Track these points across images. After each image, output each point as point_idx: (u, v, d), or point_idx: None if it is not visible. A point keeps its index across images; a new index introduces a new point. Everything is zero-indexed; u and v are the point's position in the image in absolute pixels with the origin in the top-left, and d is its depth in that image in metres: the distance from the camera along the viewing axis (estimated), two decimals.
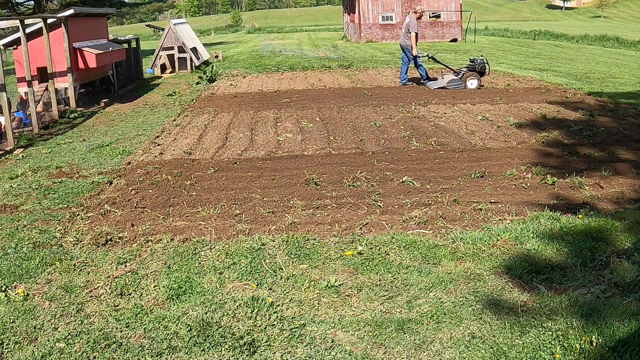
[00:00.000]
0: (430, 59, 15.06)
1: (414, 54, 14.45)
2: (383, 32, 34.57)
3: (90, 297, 4.20)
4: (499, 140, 8.59)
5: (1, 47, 13.51)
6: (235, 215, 5.71)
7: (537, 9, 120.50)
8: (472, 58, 14.56)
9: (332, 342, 3.55)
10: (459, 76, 14.05)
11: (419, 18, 14.60)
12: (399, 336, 3.59)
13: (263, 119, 10.79)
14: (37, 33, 12.46)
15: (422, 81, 14.93)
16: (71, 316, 3.93)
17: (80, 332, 3.72)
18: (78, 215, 5.89)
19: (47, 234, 5.42)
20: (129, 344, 3.57)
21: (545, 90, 13.61)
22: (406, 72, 15.10)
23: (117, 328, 3.76)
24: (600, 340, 3.37)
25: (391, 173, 7.01)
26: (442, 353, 3.41)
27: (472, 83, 13.89)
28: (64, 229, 5.54)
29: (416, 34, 14.31)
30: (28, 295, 4.23)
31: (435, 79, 14.82)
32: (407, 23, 14.55)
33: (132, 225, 5.55)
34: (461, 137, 8.79)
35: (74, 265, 4.68)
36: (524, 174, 6.85)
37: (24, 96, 12.26)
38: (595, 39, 37.71)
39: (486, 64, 14.08)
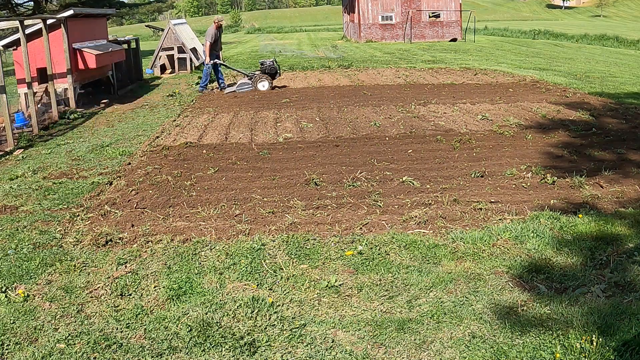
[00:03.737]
0: (221, 66, 15.39)
1: (206, 62, 14.76)
2: (383, 32, 34.56)
3: (91, 297, 4.20)
4: (498, 139, 8.59)
5: (1, 48, 13.50)
6: (235, 216, 5.71)
7: (536, 8, 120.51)
8: (261, 61, 14.94)
9: (332, 342, 3.55)
10: (251, 79, 14.54)
11: (218, 28, 14.86)
12: (399, 336, 3.59)
13: (263, 119, 10.79)
14: (37, 34, 12.46)
15: (219, 87, 15.26)
16: (71, 317, 3.93)
17: (80, 332, 3.72)
18: (78, 215, 5.89)
19: (47, 235, 5.42)
20: (129, 344, 3.58)
21: (545, 89, 13.61)
22: (206, 81, 15.22)
23: (117, 329, 3.76)
24: (600, 340, 3.37)
25: (391, 173, 7.01)
26: (442, 353, 3.41)
27: (262, 85, 14.40)
28: (64, 230, 5.54)
29: (210, 43, 14.55)
30: (28, 296, 4.23)
31: (233, 84, 15.23)
32: (207, 31, 14.83)
33: (132, 225, 5.55)
34: (460, 137, 8.78)
35: (74, 266, 4.68)
36: (524, 173, 6.85)
37: (23, 98, 12.28)
38: (595, 38, 37.73)
39: (277, 66, 14.61)
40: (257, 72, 14.75)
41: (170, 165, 7.71)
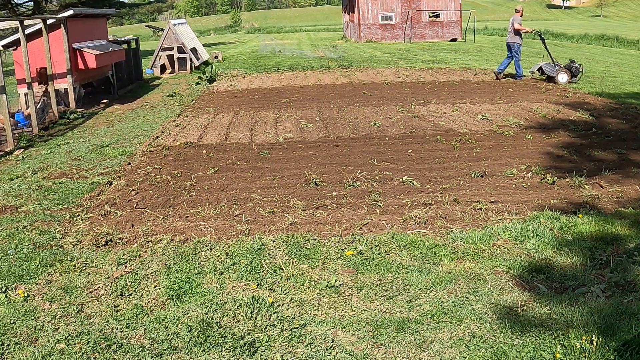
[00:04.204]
0: (540, 39, 15.91)
1: (525, 30, 15.49)
2: (383, 32, 34.56)
3: (91, 297, 4.20)
4: (498, 139, 8.59)
5: (1, 48, 13.50)
6: (235, 216, 5.71)
7: (536, 8, 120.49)
8: (571, 59, 15.62)
9: (332, 342, 3.55)
10: (556, 67, 14.89)
11: (521, 15, 15.79)
12: (399, 336, 3.59)
13: (263, 119, 10.79)
14: (37, 34, 12.47)
15: (517, 76, 15.69)
16: (71, 317, 3.93)
17: (80, 332, 3.72)
18: (78, 216, 5.89)
19: (47, 235, 5.42)
20: (129, 344, 3.58)
21: (545, 89, 13.61)
22: (519, 66, 15.70)
23: (117, 329, 3.76)
24: (600, 340, 3.37)
25: (391, 173, 7.01)
26: (442, 353, 3.41)
27: (562, 77, 14.67)
28: (64, 230, 5.54)
29: (519, 24, 15.36)
30: (28, 296, 4.23)
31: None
32: (512, 20, 15.46)
33: (132, 225, 5.55)
34: (460, 137, 8.78)
35: (74, 266, 4.68)
36: (524, 173, 6.85)
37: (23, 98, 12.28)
38: (595, 38, 37.70)
39: (580, 70, 14.86)
40: (562, 64, 15.13)
41: (170, 165, 7.72)
